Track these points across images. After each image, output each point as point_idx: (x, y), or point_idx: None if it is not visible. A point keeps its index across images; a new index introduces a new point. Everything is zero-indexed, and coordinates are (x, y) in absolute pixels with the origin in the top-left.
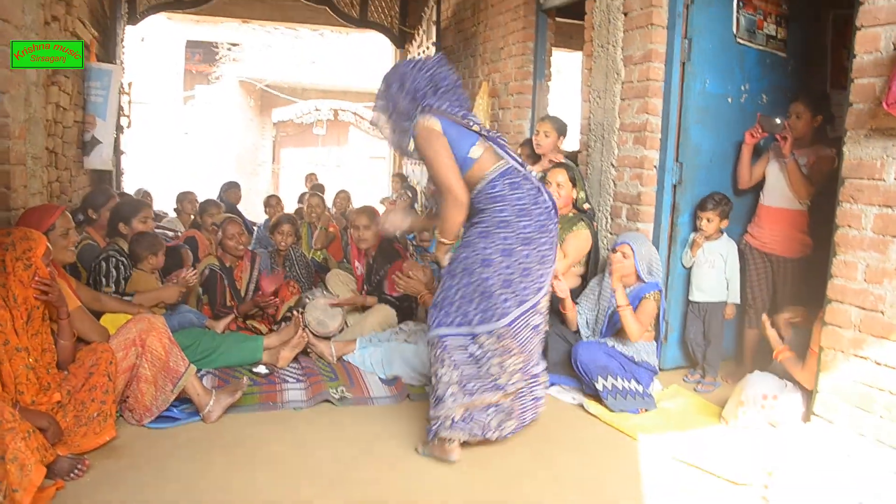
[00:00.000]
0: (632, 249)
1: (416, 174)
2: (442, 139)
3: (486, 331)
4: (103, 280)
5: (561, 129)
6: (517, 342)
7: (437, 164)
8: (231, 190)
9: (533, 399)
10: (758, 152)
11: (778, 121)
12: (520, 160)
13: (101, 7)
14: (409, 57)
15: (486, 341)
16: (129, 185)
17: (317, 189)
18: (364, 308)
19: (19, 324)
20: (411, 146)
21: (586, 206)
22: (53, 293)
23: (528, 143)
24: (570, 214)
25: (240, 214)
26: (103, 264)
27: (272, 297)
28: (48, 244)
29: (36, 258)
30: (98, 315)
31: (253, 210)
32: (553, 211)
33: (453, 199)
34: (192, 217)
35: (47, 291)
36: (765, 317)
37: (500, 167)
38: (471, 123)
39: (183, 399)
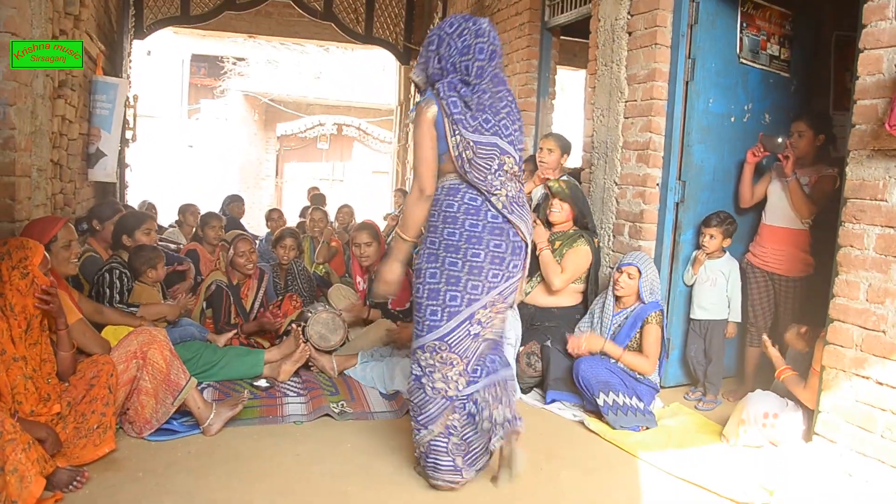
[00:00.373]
0: (639, 271)
1: None
2: (431, 131)
3: (418, 346)
4: (107, 291)
5: (565, 147)
6: (457, 353)
7: (416, 150)
8: (234, 203)
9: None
10: (760, 171)
11: (780, 140)
12: (490, 178)
13: (108, 21)
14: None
15: (421, 357)
16: (133, 198)
17: (317, 199)
18: (366, 322)
19: (17, 333)
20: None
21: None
22: (55, 303)
23: (532, 159)
24: (571, 231)
25: (243, 228)
26: (106, 276)
27: (278, 318)
28: (45, 253)
29: (33, 267)
30: (100, 327)
31: (256, 224)
32: (507, 230)
33: (418, 191)
34: (194, 229)
35: (49, 301)
36: (765, 337)
37: (455, 176)
38: (454, 132)
39: (183, 412)
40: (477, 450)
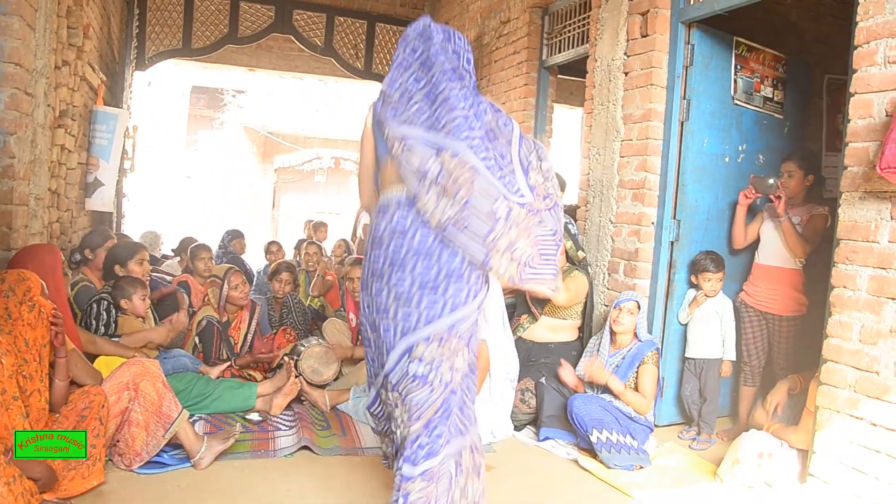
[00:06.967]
0: (638, 306)
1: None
2: (368, 139)
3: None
4: (94, 322)
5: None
6: (396, 392)
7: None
8: (236, 240)
9: None
10: (753, 210)
11: (771, 181)
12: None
13: (110, 52)
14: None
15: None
16: (133, 228)
17: (318, 227)
18: (354, 361)
19: (33, 368)
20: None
21: (580, 253)
22: (62, 328)
23: None
24: (564, 266)
25: (243, 265)
26: (94, 307)
27: (271, 353)
28: (42, 281)
29: (36, 297)
30: (92, 358)
31: (251, 255)
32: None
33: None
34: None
35: (57, 324)
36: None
37: (395, 191)
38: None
39: (174, 444)
40: None
